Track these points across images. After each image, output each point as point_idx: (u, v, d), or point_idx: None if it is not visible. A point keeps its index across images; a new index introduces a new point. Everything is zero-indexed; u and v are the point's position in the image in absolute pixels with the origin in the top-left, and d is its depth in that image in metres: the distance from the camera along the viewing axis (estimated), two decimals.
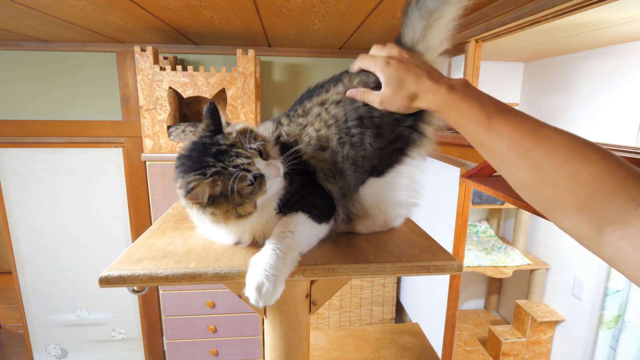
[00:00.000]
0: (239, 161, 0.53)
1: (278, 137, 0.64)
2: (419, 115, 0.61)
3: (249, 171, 0.53)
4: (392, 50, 0.58)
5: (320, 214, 0.59)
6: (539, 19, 1.00)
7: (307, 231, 0.57)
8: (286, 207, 0.58)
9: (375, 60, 0.57)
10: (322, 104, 0.64)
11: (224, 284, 0.58)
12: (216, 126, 0.57)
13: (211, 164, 0.52)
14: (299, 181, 0.60)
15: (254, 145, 0.55)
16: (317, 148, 0.61)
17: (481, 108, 0.48)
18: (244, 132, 0.57)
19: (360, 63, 0.61)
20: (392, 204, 0.67)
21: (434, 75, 0.54)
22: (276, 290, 0.48)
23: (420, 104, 0.54)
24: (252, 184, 0.54)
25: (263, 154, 0.56)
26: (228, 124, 0.61)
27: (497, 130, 0.46)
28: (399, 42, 0.63)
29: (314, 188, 0.61)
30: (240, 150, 0.54)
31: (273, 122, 0.68)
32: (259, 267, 0.49)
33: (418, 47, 0.61)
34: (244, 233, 0.60)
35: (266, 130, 0.67)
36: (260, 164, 0.54)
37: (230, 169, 0.52)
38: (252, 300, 0.48)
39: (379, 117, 0.60)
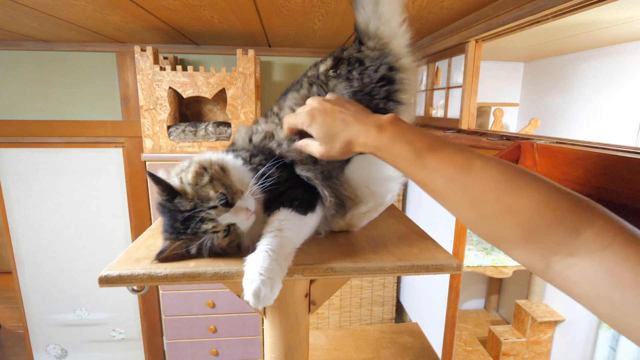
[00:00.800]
0: (204, 227, 0.53)
1: (250, 140, 0.65)
2: (391, 87, 0.62)
3: (217, 231, 0.54)
4: (313, 102, 0.56)
5: (302, 205, 0.58)
6: (539, 19, 1.00)
7: (294, 225, 0.56)
8: (270, 206, 0.58)
9: (301, 117, 0.56)
10: (295, 99, 0.65)
11: (224, 284, 0.58)
12: (168, 191, 0.54)
13: (181, 230, 0.54)
14: (276, 178, 0.59)
15: (214, 203, 0.53)
16: (290, 140, 0.62)
17: (411, 147, 0.47)
18: (200, 178, 0.55)
19: (287, 123, 0.60)
20: (381, 179, 0.66)
21: (361, 117, 0.53)
22: (273, 292, 0.48)
23: (356, 149, 0.53)
24: (226, 234, 0.55)
25: (228, 199, 0.54)
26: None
27: (431, 168, 0.46)
28: (355, 29, 0.66)
29: (292, 181, 0.60)
30: (203, 215, 0.53)
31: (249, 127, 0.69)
32: (254, 272, 0.48)
33: (371, 25, 0.62)
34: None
35: (240, 135, 0.68)
36: (227, 218, 0.54)
37: (200, 234, 0.54)
38: (252, 304, 0.48)
39: (352, 95, 0.61)
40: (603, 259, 0.34)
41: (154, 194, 1.66)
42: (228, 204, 0.54)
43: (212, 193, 0.54)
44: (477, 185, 0.42)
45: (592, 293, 0.35)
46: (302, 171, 0.61)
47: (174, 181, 0.56)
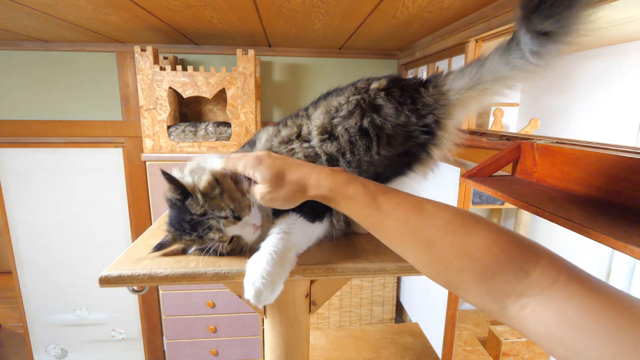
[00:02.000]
0: (212, 235, 0.54)
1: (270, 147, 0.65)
2: (430, 138, 0.62)
3: (223, 241, 0.55)
4: (259, 153, 0.56)
5: (311, 213, 0.58)
6: None
7: (301, 231, 0.57)
8: (279, 210, 0.58)
9: (245, 159, 0.54)
10: (328, 111, 0.64)
11: (224, 284, 0.58)
12: (181, 190, 0.54)
13: (187, 231, 0.55)
14: None
15: (223, 213, 0.54)
16: (318, 152, 0.62)
17: (365, 189, 0.48)
18: (212, 189, 0.55)
19: (228, 165, 0.58)
20: None
21: (311, 164, 0.53)
22: (274, 294, 0.49)
23: (307, 191, 0.51)
24: (230, 242, 0.56)
25: (235, 214, 0.55)
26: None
27: (385, 210, 0.46)
28: (442, 74, 0.66)
29: None
30: (212, 223, 0.53)
31: (274, 128, 0.68)
32: (256, 274, 0.49)
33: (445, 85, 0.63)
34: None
35: (262, 136, 0.67)
36: (234, 230, 0.55)
37: (205, 239, 0.55)
38: (252, 303, 0.48)
39: (391, 127, 0.60)
40: (551, 298, 0.34)
41: (154, 194, 1.66)
42: (236, 217, 0.55)
43: (223, 205, 0.54)
44: (430, 227, 0.43)
45: (544, 334, 0.34)
46: None
47: (188, 180, 0.56)
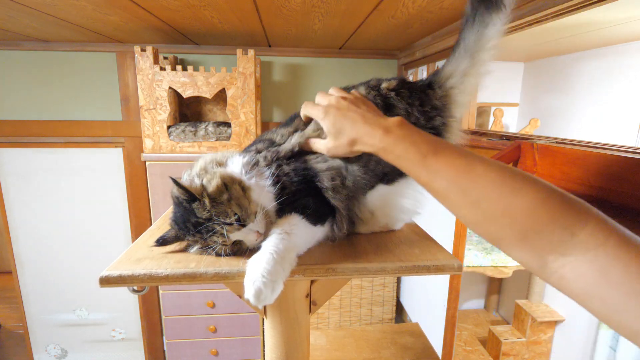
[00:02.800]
0: (215, 238, 0.55)
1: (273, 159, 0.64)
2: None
3: (225, 245, 0.56)
4: (331, 97, 0.59)
5: (314, 215, 0.59)
6: (539, 19, 1.00)
7: (302, 232, 0.57)
8: (282, 210, 0.59)
9: (317, 110, 0.60)
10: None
11: (224, 284, 0.58)
12: (189, 195, 0.55)
13: (191, 232, 0.56)
14: (294, 187, 0.60)
15: (228, 220, 0.54)
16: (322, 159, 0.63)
17: (416, 149, 0.49)
18: (220, 194, 0.55)
19: (304, 111, 0.63)
20: (397, 209, 0.68)
21: (370, 119, 0.55)
22: (274, 294, 0.49)
23: (360, 148, 0.56)
24: (233, 244, 0.57)
25: (241, 220, 0.55)
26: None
27: (434, 169, 0.47)
28: (435, 72, 0.69)
29: (309, 191, 0.61)
30: (216, 228, 0.54)
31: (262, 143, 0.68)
32: (257, 273, 0.48)
33: (451, 81, 0.66)
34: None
35: (277, 134, 0.68)
36: (237, 236, 0.56)
37: (208, 241, 0.56)
38: (252, 303, 0.48)
39: None
40: (595, 258, 0.36)
41: (154, 194, 1.66)
42: (241, 224, 0.56)
43: (229, 211, 0.55)
44: (477, 187, 0.44)
45: (585, 291, 0.36)
46: (329, 190, 0.61)
47: (196, 182, 0.57)
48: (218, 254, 0.56)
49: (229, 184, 0.57)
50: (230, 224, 0.54)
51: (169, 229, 0.59)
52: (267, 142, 0.67)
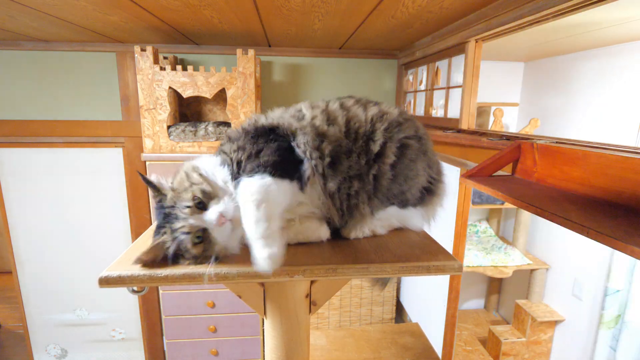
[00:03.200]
0: (177, 224, 0.53)
1: (272, 129, 0.63)
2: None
3: (188, 233, 0.52)
4: None
5: (276, 168, 0.56)
6: (539, 19, 1.00)
7: (270, 186, 0.54)
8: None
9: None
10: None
11: (224, 284, 0.58)
12: (155, 190, 0.56)
13: (161, 224, 0.55)
14: (253, 152, 0.59)
15: (186, 203, 0.53)
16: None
17: None
18: (181, 183, 0.56)
19: None
20: (389, 223, 0.69)
21: None
22: (275, 245, 0.50)
23: None
24: (199, 241, 0.53)
25: (203, 202, 0.54)
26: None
27: None
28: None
29: (270, 151, 0.58)
30: (176, 212, 0.53)
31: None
32: (256, 240, 0.50)
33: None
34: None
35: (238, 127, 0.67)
36: (196, 220, 0.52)
37: (174, 231, 0.53)
38: (265, 269, 0.50)
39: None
40: None
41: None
42: (204, 207, 0.54)
43: (189, 195, 0.55)
44: None
45: None
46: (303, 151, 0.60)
47: (166, 186, 0.58)
48: (185, 255, 0.54)
49: (189, 172, 0.58)
50: (188, 206, 0.53)
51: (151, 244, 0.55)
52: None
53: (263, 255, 0.49)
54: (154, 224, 0.72)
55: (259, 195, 0.52)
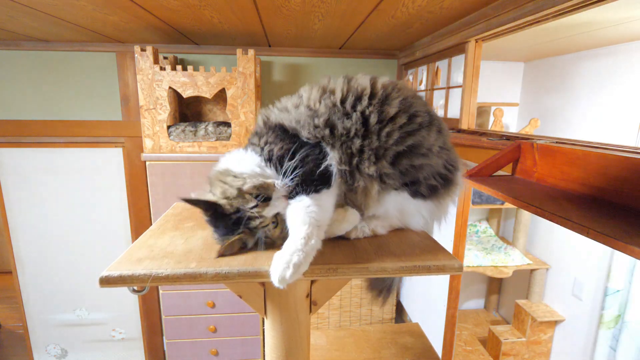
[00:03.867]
0: (253, 223, 0.57)
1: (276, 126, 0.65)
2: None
3: (266, 225, 0.58)
4: None
5: (314, 185, 0.59)
6: (539, 19, 1.00)
7: (314, 210, 0.56)
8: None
9: None
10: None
11: (225, 284, 0.58)
12: (207, 206, 0.58)
13: (234, 229, 0.57)
14: (282, 149, 0.61)
15: (253, 203, 0.57)
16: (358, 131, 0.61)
17: None
18: (224, 193, 0.58)
19: None
20: (400, 218, 0.68)
21: None
22: (297, 274, 0.52)
23: None
24: (276, 225, 0.59)
25: (264, 195, 0.57)
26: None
27: None
28: None
29: (302, 158, 0.60)
30: (249, 214, 0.57)
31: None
32: (283, 262, 0.52)
33: None
34: None
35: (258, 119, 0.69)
36: (270, 211, 0.57)
37: (253, 229, 0.57)
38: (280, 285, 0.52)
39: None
40: None
41: (154, 194, 1.66)
42: (267, 199, 0.57)
43: (247, 197, 0.57)
44: None
45: None
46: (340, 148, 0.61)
47: (209, 197, 0.60)
48: (272, 242, 0.59)
49: (223, 179, 0.60)
50: (255, 206, 0.57)
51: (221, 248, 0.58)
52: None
53: (279, 270, 0.51)
54: (159, 222, 0.72)
55: (301, 217, 0.55)
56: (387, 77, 0.67)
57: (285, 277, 0.51)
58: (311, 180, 0.58)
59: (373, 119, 0.60)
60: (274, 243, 0.59)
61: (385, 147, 0.60)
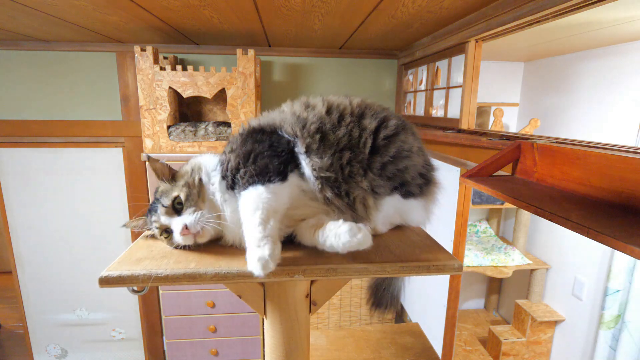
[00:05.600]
0: (152, 217, 0.61)
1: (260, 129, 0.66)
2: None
3: (157, 228, 0.60)
4: None
5: (265, 175, 0.57)
6: (539, 19, 1.00)
7: (265, 195, 0.55)
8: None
9: None
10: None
11: (224, 284, 0.58)
12: (158, 176, 0.64)
13: (150, 210, 0.62)
14: (238, 160, 0.61)
15: (165, 202, 0.59)
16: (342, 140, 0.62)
17: None
18: (181, 177, 0.62)
19: None
20: (399, 218, 0.70)
21: None
22: (274, 255, 0.51)
23: None
24: (168, 235, 0.59)
25: (181, 207, 0.59)
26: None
27: None
28: None
29: (257, 155, 0.60)
30: (157, 206, 0.60)
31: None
32: (255, 254, 0.51)
33: None
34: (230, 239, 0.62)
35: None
36: (166, 220, 0.59)
37: (148, 221, 0.61)
38: (257, 273, 0.50)
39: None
40: None
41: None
42: (178, 211, 0.59)
43: (173, 194, 0.59)
44: None
45: None
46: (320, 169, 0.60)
47: (167, 174, 0.64)
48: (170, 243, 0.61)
49: (194, 169, 0.62)
50: (164, 206, 0.59)
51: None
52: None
53: (253, 258, 0.50)
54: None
55: (254, 204, 0.54)
56: (359, 98, 0.71)
57: (266, 269, 0.50)
58: (264, 171, 0.57)
59: (355, 133, 0.63)
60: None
61: (368, 158, 0.62)
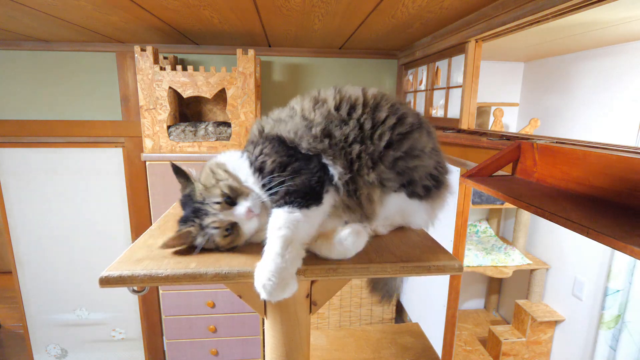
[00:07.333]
0: (207, 220, 0.56)
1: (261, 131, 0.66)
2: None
3: (217, 228, 0.56)
4: None
5: (303, 199, 0.56)
6: (539, 19, 1.00)
7: (299, 221, 0.54)
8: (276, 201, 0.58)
9: None
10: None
11: (225, 284, 0.58)
12: (185, 179, 0.62)
13: (191, 218, 0.58)
14: (286, 174, 0.59)
15: (216, 199, 0.57)
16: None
17: None
18: (209, 180, 0.60)
19: None
20: (401, 218, 0.68)
21: None
22: (286, 291, 0.50)
23: None
24: (229, 234, 0.57)
25: (232, 199, 0.57)
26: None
27: None
28: None
29: (294, 171, 0.59)
30: (206, 208, 0.57)
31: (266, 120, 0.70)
32: (264, 276, 0.50)
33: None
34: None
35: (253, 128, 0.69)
36: (227, 215, 0.56)
37: (204, 226, 0.57)
38: (269, 300, 0.51)
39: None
40: None
41: (154, 194, 1.66)
42: (232, 203, 0.57)
43: (218, 191, 0.57)
44: None
45: None
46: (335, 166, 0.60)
47: (195, 177, 0.63)
48: (217, 247, 0.57)
49: (214, 168, 0.61)
50: (218, 202, 0.56)
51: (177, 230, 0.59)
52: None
53: (261, 281, 0.50)
54: (159, 222, 0.72)
55: (286, 230, 0.53)
56: (375, 88, 0.69)
57: (277, 297, 0.50)
58: (302, 194, 0.56)
59: (367, 125, 0.61)
60: (213, 250, 0.58)
61: (381, 151, 0.61)
